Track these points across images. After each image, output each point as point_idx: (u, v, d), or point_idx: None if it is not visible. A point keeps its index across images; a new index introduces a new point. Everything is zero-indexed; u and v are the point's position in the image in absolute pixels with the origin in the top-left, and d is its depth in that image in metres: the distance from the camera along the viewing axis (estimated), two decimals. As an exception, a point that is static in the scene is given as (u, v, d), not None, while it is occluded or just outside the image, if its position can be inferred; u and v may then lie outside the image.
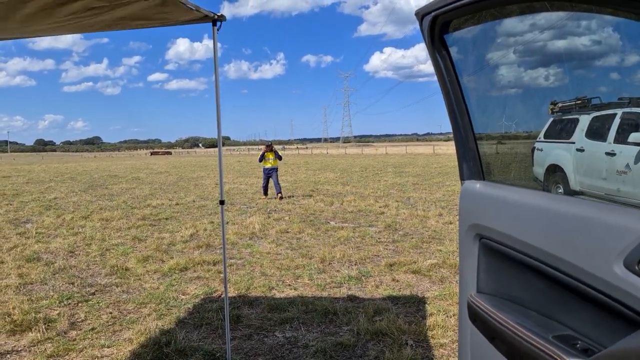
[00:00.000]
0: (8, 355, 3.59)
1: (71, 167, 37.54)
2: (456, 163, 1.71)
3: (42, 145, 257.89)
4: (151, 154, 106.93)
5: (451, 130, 1.66)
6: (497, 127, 1.72)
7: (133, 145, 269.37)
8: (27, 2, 2.35)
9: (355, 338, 3.77)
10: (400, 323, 3.97)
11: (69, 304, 4.72)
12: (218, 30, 3.10)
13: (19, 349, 3.69)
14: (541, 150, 1.78)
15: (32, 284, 5.38)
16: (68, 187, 17.99)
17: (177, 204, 12.45)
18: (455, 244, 6.79)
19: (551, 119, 1.59)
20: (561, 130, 1.67)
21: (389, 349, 3.54)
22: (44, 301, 4.75)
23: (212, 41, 3.19)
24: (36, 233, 8.41)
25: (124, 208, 11.67)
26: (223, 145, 3.23)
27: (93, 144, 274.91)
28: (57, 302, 4.73)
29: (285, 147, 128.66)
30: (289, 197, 13.39)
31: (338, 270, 5.72)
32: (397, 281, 5.28)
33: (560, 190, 1.76)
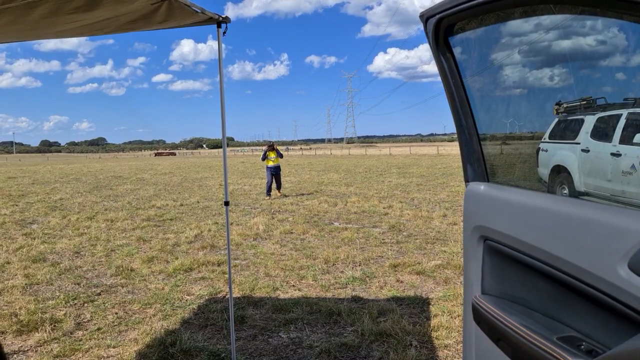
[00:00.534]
0: (15, 356, 3.61)
1: (76, 168, 37.73)
2: (460, 164, 1.71)
3: (47, 146, 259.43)
4: (155, 154, 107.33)
5: (455, 131, 1.66)
6: (501, 128, 1.72)
7: (137, 146, 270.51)
8: (36, 8, 2.37)
9: (359, 339, 3.77)
10: (405, 324, 3.97)
11: (75, 304, 4.74)
12: (224, 33, 3.12)
13: (26, 349, 3.71)
14: (546, 151, 1.78)
15: (38, 284, 5.42)
16: (73, 188, 18.08)
17: (181, 204, 12.50)
18: (460, 245, 6.77)
19: (556, 120, 1.59)
20: (566, 131, 1.67)
21: (393, 350, 3.53)
22: (50, 301, 4.78)
23: (216, 42, 3.20)
24: (42, 234, 8.46)
25: (129, 209, 11.72)
26: (227, 146, 3.25)
27: (98, 144, 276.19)
28: (63, 302, 4.76)
29: (289, 147, 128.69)
30: (294, 196, 13.41)
31: (342, 271, 5.73)
32: (402, 282, 5.28)
33: (565, 191, 1.75)
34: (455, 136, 1.69)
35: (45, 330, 3.98)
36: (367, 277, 5.46)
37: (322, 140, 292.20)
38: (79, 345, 3.77)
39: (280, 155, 13.97)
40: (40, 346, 3.75)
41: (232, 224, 9.07)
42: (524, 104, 1.67)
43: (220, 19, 3.09)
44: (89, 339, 3.89)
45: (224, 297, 4.89)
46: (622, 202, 1.33)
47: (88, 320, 4.31)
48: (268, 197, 13.53)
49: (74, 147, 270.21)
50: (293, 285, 5.22)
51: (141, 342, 3.80)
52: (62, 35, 3.24)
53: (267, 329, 4.04)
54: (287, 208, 11.37)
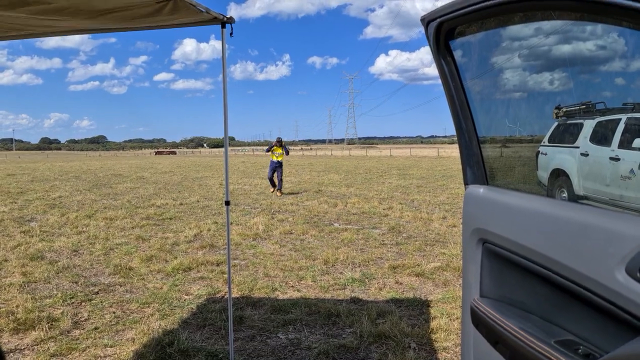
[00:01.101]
0: (11, 354, 3.61)
1: (76, 165, 37.72)
2: (460, 166, 1.71)
3: (47, 144, 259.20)
4: (156, 153, 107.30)
5: (455, 134, 1.66)
6: (501, 131, 1.72)
7: (138, 144, 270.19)
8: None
9: (358, 340, 3.77)
10: (404, 326, 3.97)
11: (73, 303, 4.74)
12: (231, 35, 3.13)
13: (22, 348, 3.71)
14: (545, 154, 1.79)
15: (35, 282, 5.41)
16: (72, 186, 18.08)
17: (181, 204, 12.49)
18: (459, 247, 6.78)
19: (556, 123, 1.59)
20: (565, 135, 1.67)
21: (392, 352, 3.54)
22: (48, 300, 4.78)
23: (219, 42, 3.21)
24: (40, 231, 8.45)
25: (128, 207, 11.72)
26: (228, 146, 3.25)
27: (98, 142, 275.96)
28: (61, 301, 4.75)
29: (290, 148, 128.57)
30: (294, 197, 13.42)
31: (341, 272, 5.73)
32: (401, 284, 5.28)
33: (564, 195, 1.76)
34: (456, 138, 1.69)
35: (42, 329, 3.98)
36: (367, 278, 5.46)
37: (323, 141, 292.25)
38: (76, 344, 3.76)
39: (287, 152, 14.53)
40: (37, 345, 3.75)
41: (231, 223, 9.07)
42: (523, 107, 1.67)
43: (225, 19, 3.09)
44: (86, 338, 3.89)
45: (223, 297, 4.89)
46: (621, 206, 1.33)
47: (85, 319, 4.31)
48: (273, 190, 14.32)
49: (74, 144, 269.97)
50: (292, 286, 5.22)
51: (138, 341, 3.79)
52: (64, 33, 3.25)
53: (265, 330, 4.04)
54: (287, 208, 11.38)
